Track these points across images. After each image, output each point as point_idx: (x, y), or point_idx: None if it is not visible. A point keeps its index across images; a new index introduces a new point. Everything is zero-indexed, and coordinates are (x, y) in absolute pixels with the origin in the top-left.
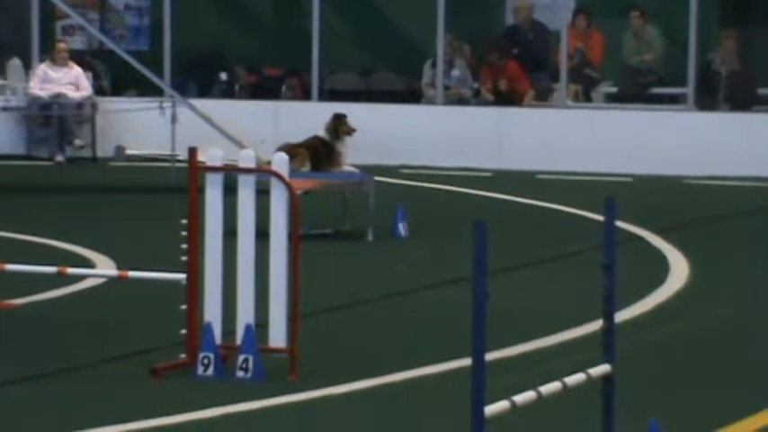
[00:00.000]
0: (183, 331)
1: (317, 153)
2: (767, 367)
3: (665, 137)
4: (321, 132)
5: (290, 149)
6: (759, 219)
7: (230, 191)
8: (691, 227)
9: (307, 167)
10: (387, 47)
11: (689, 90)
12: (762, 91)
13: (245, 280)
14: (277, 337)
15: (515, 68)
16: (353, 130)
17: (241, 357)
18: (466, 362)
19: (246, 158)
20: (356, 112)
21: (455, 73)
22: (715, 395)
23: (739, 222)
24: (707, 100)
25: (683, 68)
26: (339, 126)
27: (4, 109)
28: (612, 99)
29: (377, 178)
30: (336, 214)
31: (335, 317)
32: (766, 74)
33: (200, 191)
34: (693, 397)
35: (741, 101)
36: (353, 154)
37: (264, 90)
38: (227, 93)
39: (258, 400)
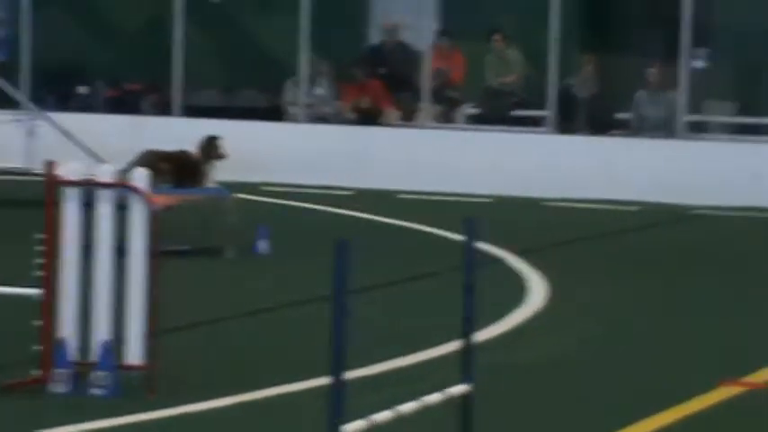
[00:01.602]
0: (36, 347)
1: (183, 169)
2: (623, 389)
3: (526, 159)
4: (192, 149)
5: (155, 161)
6: (616, 241)
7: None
8: (549, 248)
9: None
10: (249, 64)
11: (549, 113)
12: (619, 115)
13: (103, 296)
14: (134, 353)
15: (378, 87)
16: (225, 156)
17: (97, 374)
18: (325, 380)
19: (105, 173)
20: (218, 129)
21: (318, 91)
22: (572, 416)
23: (597, 244)
24: (566, 123)
25: (543, 92)
26: (212, 148)
27: None
28: (474, 120)
29: (238, 195)
30: (196, 230)
31: (194, 334)
32: (624, 98)
33: (57, 205)
34: (550, 418)
35: (599, 124)
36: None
37: (125, 104)
38: (87, 106)
39: (114, 417)
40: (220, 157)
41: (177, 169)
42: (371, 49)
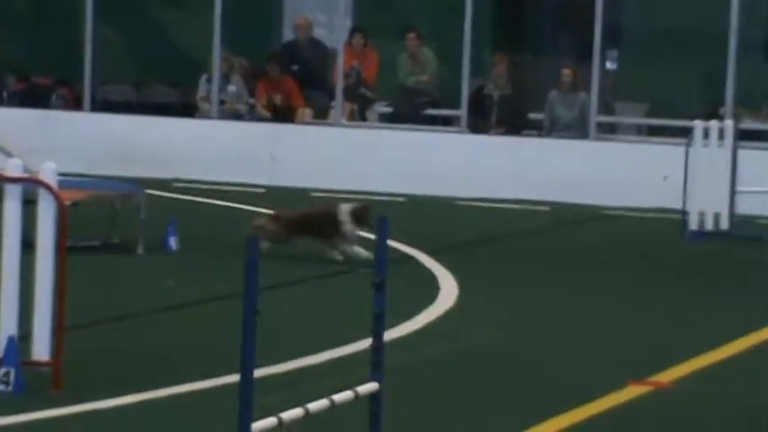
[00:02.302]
0: None
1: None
2: (532, 387)
3: (439, 158)
4: (343, 208)
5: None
6: (527, 241)
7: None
8: (461, 248)
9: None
10: (162, 59)
11: (462, 112)
12: (532, 115)
13: (9, 291)
14: (41, 350)
15: (291, 85)
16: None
17: (2, 370)
18: (235, 378)
19: (13, 167)
20: (129, 124)
21: (231, 88)
22: (482, 414)
23: (508, 244)
24: (479, 123)
25: (456, 91)
26: (363, 217)
27: None
28: (387, 119)
29: (149, 191)
30: (106, 226)
31: (102, 330)
32: (537, 98)
33: None
34: (460, 415)
35: (512, 124)
36: (123, 165)
37: (34, 98)
38: None
39: (18, 413)
40: (369, 226)
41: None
42: (284, 46)
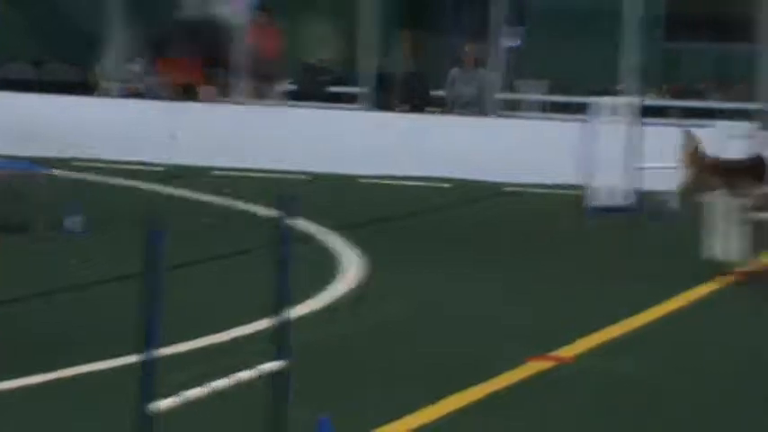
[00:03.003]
0: None
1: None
2: (435, 363)
3: (342, 135)
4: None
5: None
6: (430, 217)
7: None
8: (365, 225)
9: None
10: (60, 37)
11: (365, 90)
12: (435, 92)
13: None
14: None
15: (194, 63)
16: None
17: None
18: (136, 357)
19: None
20: (28, 103)
21: (132, 66)
22: (385, 391)
23: (411, 221)
24: (382, 100)
25: (359, 68)
26: None
27: None
28: (290, 96)
29: (48, 170)
30: (5, 206)
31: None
32: (439, 76)
33: None
34: (364, 393)
35: (415, 102)
36: (23, 145)
37: None
38: None
39: None
40: None
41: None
42: (186, 24)
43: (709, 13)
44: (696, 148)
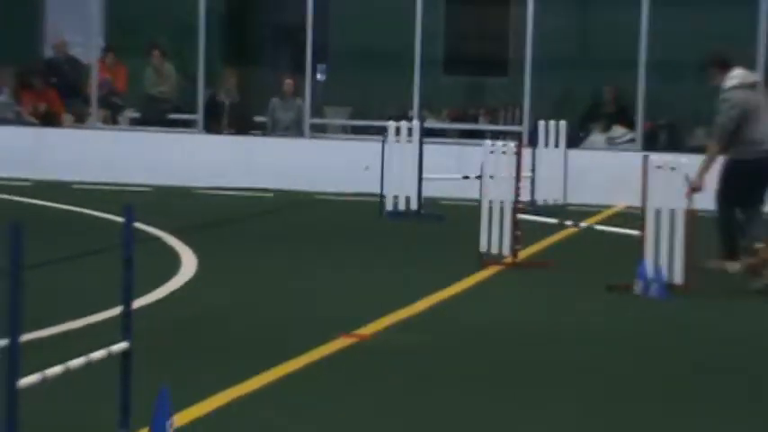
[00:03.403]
0: None
1: None
2: (256, 341)
3: (180, 154)
4: None
5: None
6: (254, 221)
7: None
8: (200, 229)
9: None
10: None
11: (199, 117)
12: (257, 118)
13: None
14: None
15: (53, 95)
16: None
17: None
18: (2, 341)
19: None
20: None
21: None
22: (217, 364)
23: (239, 224)
24: (213, 125)
25: (193, 98)
26: None
27: None
28: (136, 122)
29: None
30: None
31: None
32: (260, 104)
33: None
34: (198, 367)
35: (240, 126)
36: None
37: None
38: None
39: None
40: None
41: None
42: (46, 62)
43: (477, 53)
44: None
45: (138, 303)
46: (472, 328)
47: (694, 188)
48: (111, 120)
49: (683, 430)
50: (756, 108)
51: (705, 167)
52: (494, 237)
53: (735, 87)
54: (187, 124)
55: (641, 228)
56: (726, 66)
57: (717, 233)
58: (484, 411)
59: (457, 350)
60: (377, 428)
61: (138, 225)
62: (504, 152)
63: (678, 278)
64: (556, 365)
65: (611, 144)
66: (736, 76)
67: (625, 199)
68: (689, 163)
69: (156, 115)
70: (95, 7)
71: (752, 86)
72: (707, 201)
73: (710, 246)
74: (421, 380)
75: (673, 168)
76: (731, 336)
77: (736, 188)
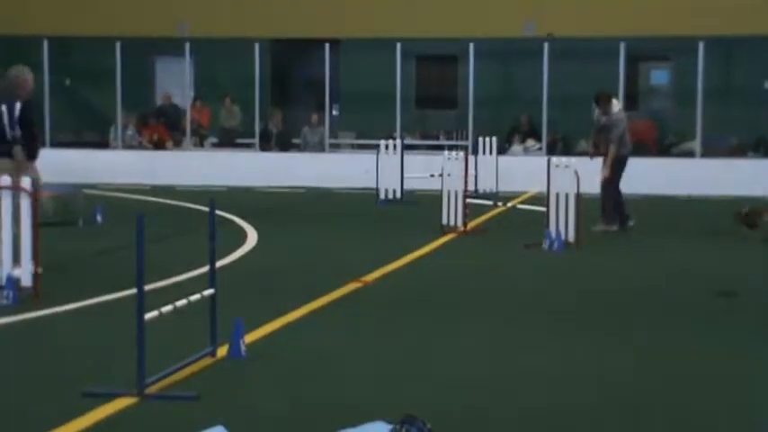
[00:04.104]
0: None
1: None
2: (295, 288)
3: (243, 165)
4: None
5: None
6: (294, 209)
7: None
8: (258, 214)
9: None
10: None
11: (255, 140)
12: (294, 140)
13: (6, 244)
14: (25, 279)
15: (162, 129)
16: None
17: (3, 292)
18: (131, 291)
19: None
20: None
21: (129, 132)
22: (269, 303)
23: (284, 211)
24: (265, 146)
25: (252, 129)
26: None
27: None
28: (215, 146)
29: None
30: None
31: None
32: (296, 131)
33: None
34: (259, 304)
35: (283, 146)
36: None
37: None
38: None
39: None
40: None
41: None
42: (158, 108)
43: (437, 94)
44: None
45: (220, 263)
46: (438, 273)
47: (606, 177)
48: (200, 144)
49: (568, 339)
50: (627, 124)
51: (611, 163)
52: (451, 214)
53: (619, 112)
54: (248, 146)
55: (547, 205)
56: (610, 99)
57: (605, 206)
58: (450, 324)
59: (431, 287)
60: (378, 340)
61: (218, 212)
62: (456, 159)
63: (571, 238)
64: (490, 292)
65: (527, 152)
66: (616, 104)
67: (536, 187)
68: (577, 162)
69: (228, 141)
70: (188, 69)
71: (623, 111)
72: (591, 186)
73: (593, 216)
74: (407, 307)
75: (566, 166)
76: (605, 273)
77: (619, 174)
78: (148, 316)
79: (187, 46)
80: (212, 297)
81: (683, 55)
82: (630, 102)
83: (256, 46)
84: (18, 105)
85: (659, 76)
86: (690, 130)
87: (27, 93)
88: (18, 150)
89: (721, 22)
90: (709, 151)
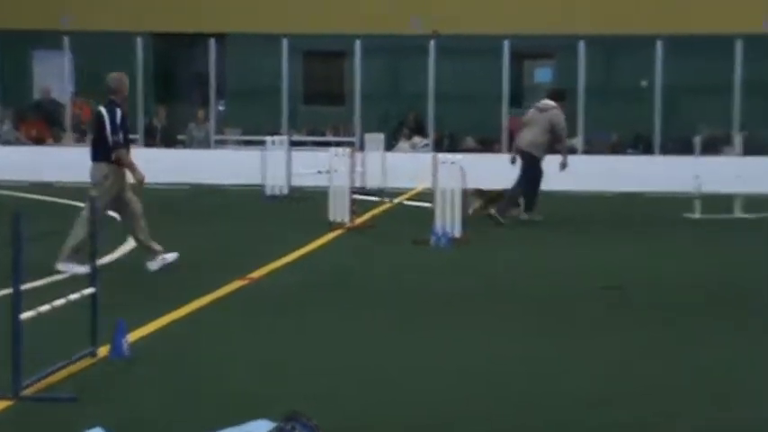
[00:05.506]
0: None
1: None
2: (171, 284)
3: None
4: None
5: None
6: (179, 204)
7: None
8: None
9: None
10: None
11: (139, 136)
12: (180, 137)
13: None
14: None
15: (42, 125)
16: None
17: None
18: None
19: None
20: None
21: (5, 126)
22: (153, 300)
23: (166, 206)
24: (151, 142)
25: (134, 125)
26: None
27: None
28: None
29: None
30: None
31: None
32: (182, 127)
33: None
34: (140, 302)
35: (168, 142)
36: None
37: None
38: None
39: None
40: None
41: None
42: (36, 103)
43: (324, 90)
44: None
45: (101, 262)
46: (327, 269)
47: (565, 165)
48: (81, 140)
49: (453, 328)
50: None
51: (565, 155)
52: (338, 210)
53: (556, 108)
54: (131, 142)
55: (433, 202)
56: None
57: (521, 196)
58: (336, 319)
59: (318, 284)
60: (262, 337)
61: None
62: (343, 155)
63: (457, 234)
64: (379, 291)
65: (413, 148)
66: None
67: (423, 183)
68: (463, 158)
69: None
70: (67, 63)
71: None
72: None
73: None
74: (297, 305)
75: (453, 163)
76: (489, 268)
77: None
78: (24, 316)
79: (66, 39)
80: (93, 296)
81: (565, 53)
82: (515, 99)
83: (138, 40)
84: (119, 111)
85: (543, 73)
86: (571, 127)
87: (125, 97)
88: (123, 154)
89: (601, 21)
90: (591, 147)
